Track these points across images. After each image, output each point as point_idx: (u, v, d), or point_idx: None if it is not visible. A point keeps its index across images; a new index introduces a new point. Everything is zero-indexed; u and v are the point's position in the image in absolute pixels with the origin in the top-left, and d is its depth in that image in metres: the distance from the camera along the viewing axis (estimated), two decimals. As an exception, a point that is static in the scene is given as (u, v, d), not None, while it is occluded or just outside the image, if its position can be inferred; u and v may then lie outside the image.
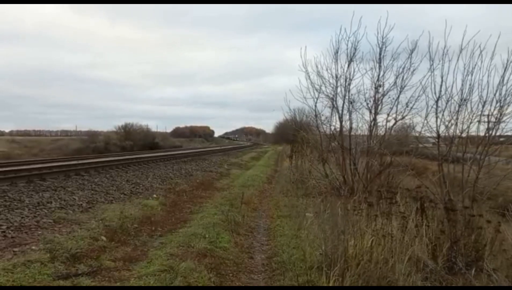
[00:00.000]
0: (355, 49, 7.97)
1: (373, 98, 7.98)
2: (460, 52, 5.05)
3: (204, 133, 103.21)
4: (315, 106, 8.97)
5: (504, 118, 4.90)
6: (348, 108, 8.41)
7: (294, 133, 16.04)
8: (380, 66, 7.81)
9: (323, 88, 8.58)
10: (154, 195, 9.46)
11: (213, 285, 4.08)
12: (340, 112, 8.52)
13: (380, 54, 7.75)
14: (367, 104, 8.08)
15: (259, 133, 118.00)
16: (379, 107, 7.98)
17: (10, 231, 5.44)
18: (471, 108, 5.03)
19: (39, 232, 5.53)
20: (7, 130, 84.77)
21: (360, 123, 8.45)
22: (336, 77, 8.33)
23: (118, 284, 3.94)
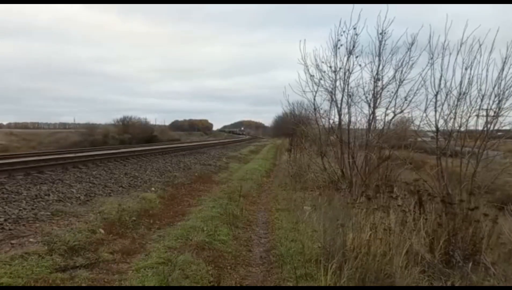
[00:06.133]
0: (355, 42, 7.92)
1: (372, 92, 7.94)
2: (460, 46, 5.03)
3: (202, 127, 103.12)
4: (314, 99, 8.94)
5: (503, 112, 4.90)
6: (347, 102, 8.37)
7: (293, 127, 16.03)
8: (379, 60, 7.76)
9: (322, 81, 8.54)
10: (153, 188, 9.44)
11: (211, 277, 4.09)
12: (339, 105, 8.48)
13: (379, 47, 7.70)
14: (366, 97, 8.04)
15: (258, 126, 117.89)
16: (378, 100, 7.95)
17: (7, 224, 5.42)
18: (470, 102, 5.03)
19: (37, 225, 5.52)
20: (5, 123, 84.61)
21: (359, 116, 8.42)
22: (335, 70, 8.28)
23: (116, 276, 3.94)
